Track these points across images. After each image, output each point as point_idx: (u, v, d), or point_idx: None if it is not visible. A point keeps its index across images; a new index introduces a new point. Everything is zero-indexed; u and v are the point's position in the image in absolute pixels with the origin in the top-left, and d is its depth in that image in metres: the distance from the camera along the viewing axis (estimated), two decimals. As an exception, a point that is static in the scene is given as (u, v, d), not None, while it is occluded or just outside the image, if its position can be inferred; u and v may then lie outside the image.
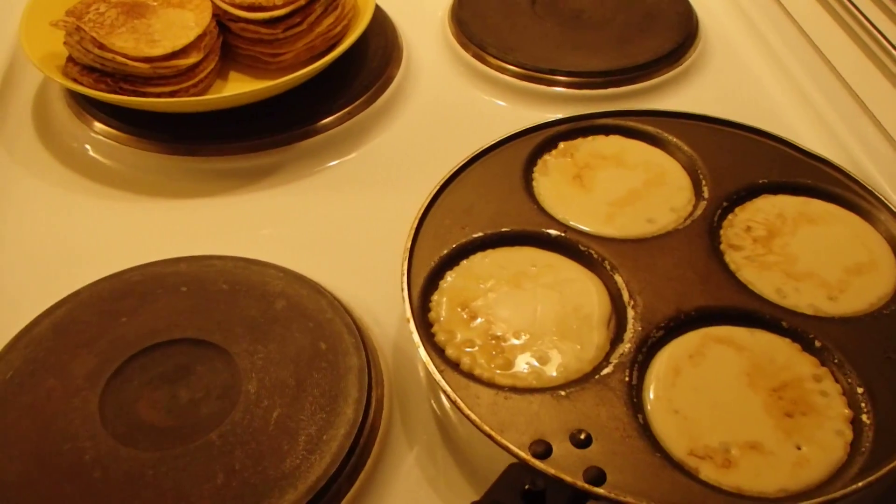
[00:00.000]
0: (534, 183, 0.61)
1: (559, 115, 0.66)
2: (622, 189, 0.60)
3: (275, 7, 0.67)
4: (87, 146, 0.70)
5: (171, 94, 0.65)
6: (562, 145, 0.64)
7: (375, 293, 0.58)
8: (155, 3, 0.67)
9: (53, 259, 0.61)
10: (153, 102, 0.64)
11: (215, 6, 0.68)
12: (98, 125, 0.70)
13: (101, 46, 0.63)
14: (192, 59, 0.65)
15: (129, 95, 0.64)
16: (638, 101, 0.73)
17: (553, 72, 0.74)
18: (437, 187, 0.59)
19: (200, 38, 0.66)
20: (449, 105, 0.74)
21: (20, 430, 0.48)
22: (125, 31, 0.64)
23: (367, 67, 0.73)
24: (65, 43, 0.66)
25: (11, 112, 0.72)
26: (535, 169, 0.62)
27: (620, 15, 0.80)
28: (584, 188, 0.60)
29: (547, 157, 0.63)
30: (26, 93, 0.74)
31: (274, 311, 0.54)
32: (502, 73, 0.75)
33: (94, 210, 0.65)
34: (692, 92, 0.74)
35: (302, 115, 0.69)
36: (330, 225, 0.64)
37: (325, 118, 0.69)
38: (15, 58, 0.76)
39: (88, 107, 0.70)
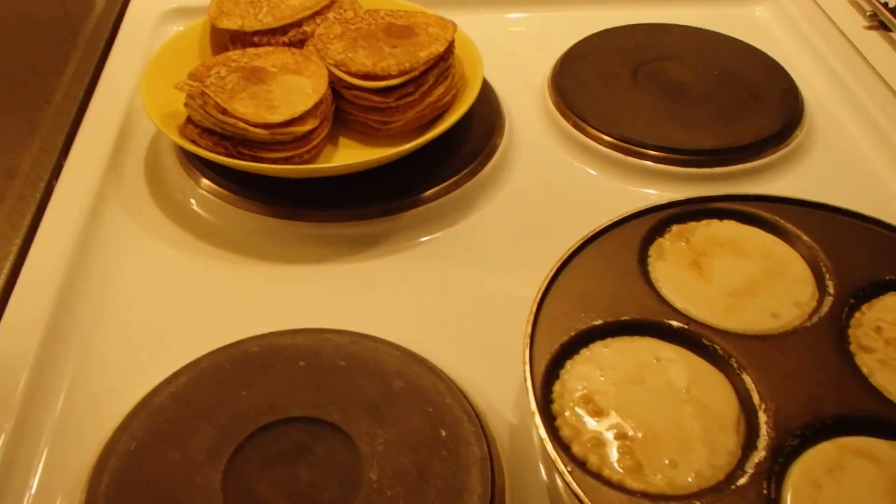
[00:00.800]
0: (650, 268, 0.61)
1: (661, 192, 0.67)
2: (741, 279, 0.59)
3: (389, 76, 0.68)
4: (192, 200, 0.71)
5: (286, 160, 0.66)
6: (675, 228, 0.63)
7: (488, 376, 0.57)
8: (274, 70, 0.68)
9: (166, 322, 0.61)
10: (270, 168, 0.65)
11: (331, 73, 0.69)
12: (204, 181, 0.70)
13: (224, 112, 0.64)
14: (308, 126, 0.65)
15: (246, 160, 0.65)
16: (743, 182, 0.72)
17: (657, 147, 0.73)
18: (554, 270, 0.59)
19: (317, 105, 0.66)
20: (550, 175, 0.74)
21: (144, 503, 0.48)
22: (246, 97, 0.65)
23: (473, 136, 0.73)
24: (186, 105, 0.67)
25: (127, 163, 0.73)
26: (650, 252, 0.62)
27: (724, 90, 0.79)
28: (703, 276, 0.60)
29: (661, 240, 0.63)
30: (140, 144, 0.75)
31: (392, 391, 0.54)
32: (602, 144, 0.74)
33: (201, 270, 0.65)
34: (799, 175, 0.74)
35: (408, 184, 0.69)
36: (436, 299, 0.63)
37: (432, 188, 0.69)
38: (131, 109, 0.77)
39: (197, 162, 0.71)
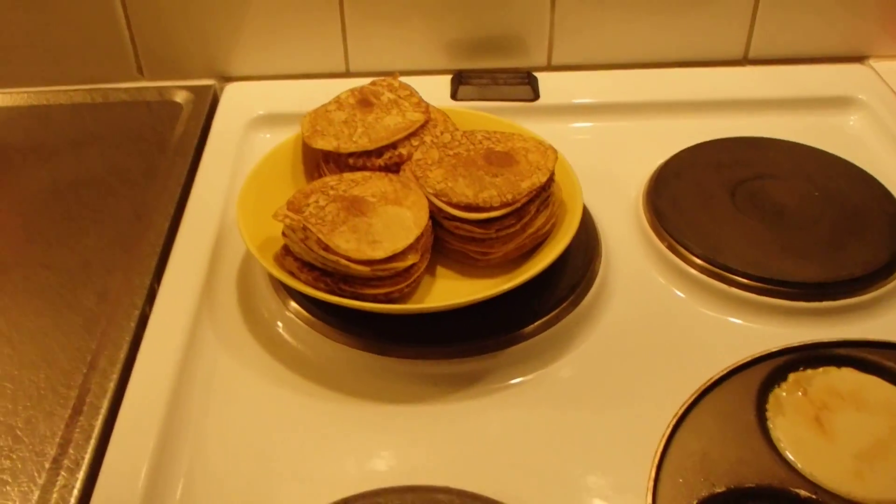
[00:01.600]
0: (769, 424, 0.58)
1: (765, 326, 0.67)
2: (867, 438, 0.57)
3: (491, 208, 0.66)
4: (279, 323, 0.70)
5: (387, 295, 0.64)
6: (792, 378, 0.61)
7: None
8: (374, 199, 0.67)
9: (259, 468, 0.59)
10: (374, 308, 0.63)
11: (431, 204, 0.67)
12: (293, 304, 0.69)
13: (327, 248, 0.62)
14: (409, 261, 0.64)
15: (347, 296, 0.63)
16: (850, 319, 0.69)
17: (760, 278, 0.70)
18: (670, 429, 0.57)
19: (418, 238, 0.65)
20: (647, 304, 0.71)
21: None
22: (346, 230, 0.64)
23: (571, 264, 0.71)
24: (284, 235, 0.66)
25: (220, 287, 0.72)
26: (768, 406, 0.59)
27: (826, 214, 0.77)
28: (826, 435, 0.57)
29: (777, 391, 0.61)
30: (232, 264, 0.74)
31: (508, 562, 0.52)
32: (700, 271, 0.72)
33: (289, 403, 0.64)
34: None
35: (506, 319, 0.67)
36: (541, 450, 0.61)
37: (532, 322, 0.67)
38: (222, 226, 0.77)
39: (287, 287, 0.69)
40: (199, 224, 0.77)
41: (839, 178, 0.81)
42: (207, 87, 0.95)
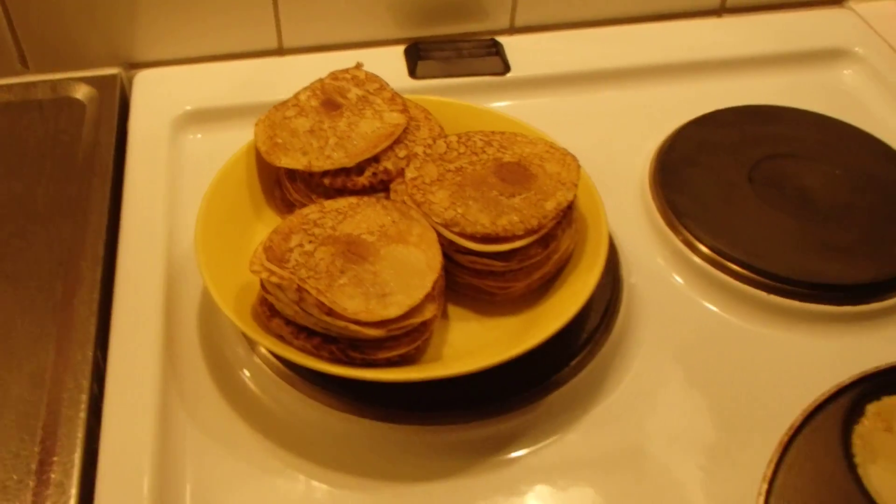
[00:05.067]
0: (862, 476, 0.51)
1: (811, 338, 0.60)
2: (974, 481, 0.51)
3: (514, 238, 0.56)
4: (246, 372, 0.58)
5: (401, 357, 0.53)
6: (871, 410, 0.54)
7: None
8: (372, 238, 0.55)
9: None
10: (395, 377, 0.52)
11: (440, 236, 0.56)
12: (261, 350, 0.58)
13: (330, 312, 0.50)
14: (427, 315, 0.53)
15: (358, 366, 0.52)
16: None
17: (798, 283, 0.63)
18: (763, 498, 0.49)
19: (433, 283, 0.54)
20: (675, 323, 0.63)
21: None
22: (348, 284, 0.52)
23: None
24: (265, 290, 0.54)
25: (181, 342, 0.60)
26: (855, 451, 0.52)
27: (857, 198, 0.69)
28: (931, 484, 0.51)
29: (860, 429, 0.54)
30: (188, 309, 0.62)
31: None
32: (738, 280, 0.64)
33: (269, 484, 0.53)
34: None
35: (531, 365, 0.55)
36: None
37: (566, 364, 0.57)
38: (171, 260, 0.64)
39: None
40: (139, 266, 0.63)
41: (859, 152, 0.74)
42: (112, 78, 0.78)
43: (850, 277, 0.63)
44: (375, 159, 0.61)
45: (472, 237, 0.56)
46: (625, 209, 0.70)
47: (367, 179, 0.61)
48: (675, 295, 0.64)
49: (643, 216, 0.70)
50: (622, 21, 0.87)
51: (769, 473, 0.50)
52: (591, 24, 0.86)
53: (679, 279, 0.65)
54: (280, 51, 0.82)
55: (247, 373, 0.58)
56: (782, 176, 0.71)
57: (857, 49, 0.85)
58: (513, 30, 0.85)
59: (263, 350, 0.57)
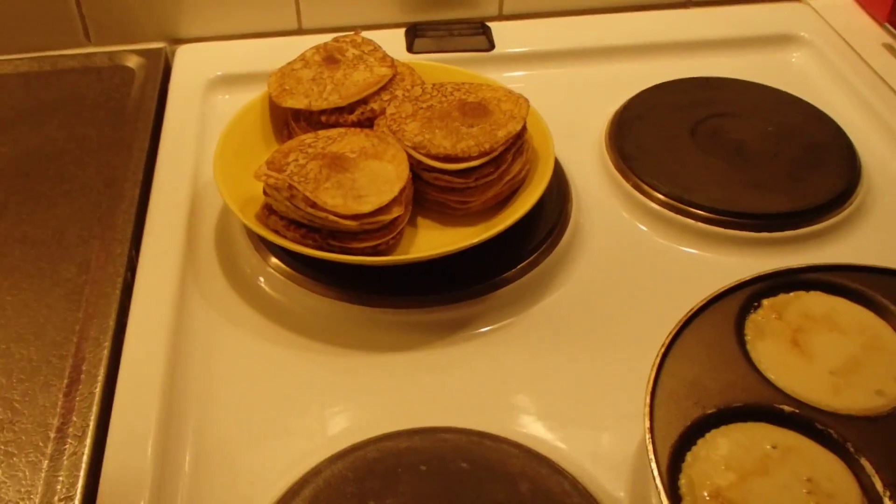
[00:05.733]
0: (749, 347, 0.61)
1: (729, 257, 0.71)
2: (841, 356, 0.60)
3: (469, 158, 0.68)
4: (261, 279, 0.70)
5: (374, 248, 0.65)
6: (766, 303, 0.64)
7: (605, 469, 0.57)
8: (354, 155, 0.67)
9: (267, 422, 0.61)
10: (364, 260, 0.64)
11: (410, 157, 0.68)
12: (273, 260, 0.70)
13: (314, 205, 0.63)
14: (394, 214, 0.65)
15: (335, 251, 0.64)
16: (811, 246, 0.73)
17: (729, 213, 0.74)
18: (659, 358, 0.59)
19: (401, 190, 0.66)
20: (620, 243, 0.74)
21: None
22: (331, 187, 0.65)
23: (545, 209, 0.73)
24: (266, 194, 0.66)
25: (200, 249, 0.72)
26: (747, 332, 0.62)
27: (784, 149, 0.80)
28: (804, 355, 0.61)
29: (754, 316, 0.64)
30: (209, 223, 0.75)
31: (521, 495, 0.54)
32: (667, 208, 0.75)
33: (292, 361, 0.65)
34: (860, 238, 0.74)
35: (486, 265, 0.69)
36: (533, 388, 0.63)
37: (513, 267, 0.69)
38: (196, 188, 0.77)
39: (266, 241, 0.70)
40: (170, 189, 0.76)
41: (791, 114, 0.84)
42: (158, 51, 0.93)
43: (768, 208, 0.74)
44: (364, 101, 0.74)
45: (435, 157, 0.68)
46: (584, 159, 0.82)
47: (356, 117, 0.74)
48: (617, 221, 0.76)
49: (598, 164, 0.81)
50: (600, 11, 0.99)
51: (667, 341, 0.60)
52: (571, 13, 0.98)
53: (624, 213, 0.77)
54: (299, 31, 0.96)
55: (261, 279, 0.70)
56: (720, 131, 0.82)
57: (805, 35, 0.96)
58: (501, 17, 0.98)
59: (274, 259, 0.70)
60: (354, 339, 0.66)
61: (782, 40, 0.96)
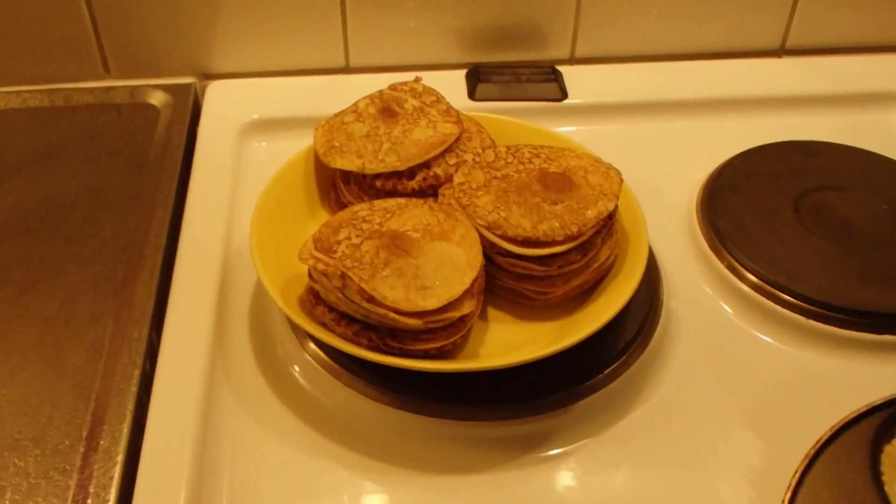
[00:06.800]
0: (886, 489, 0.51)
1: (850, 363, 0.61)
2: None
3: (553, 242, 0.58)
4: (296, 367, 0.60)
5: (439, 349, 0.55)
6: (903, 432, 0.54)
7: None
8: (417, 235, 0.57)
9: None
10: (428, 367, 0.54)
11: (483, 238, 0.58)
12: (311, 345, 0.60)
13: (371, 299, 0.53)
14: (465, 310, 0.55)
15: (395, 355, 0.54)
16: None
17: (836, 309, 0.63)
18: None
19: (473, 281, 0.55)
20: (720, 346, 0.63)
21: None
22: (390, 275, 0.54)
23: (635, 295, 0.63)
24: (312, 278, 0.56)
25: (231, 332, 0.63)
26: (883, 469, 0.52)
27: (897, 230, 0.70)
28: (958, 504, 0.50)
29: (890, 449, 0.53)
30: (242, 300, 0.65)
31: None
32: (778, 304, 0.64)
33: (316, 472, 0.55)
34: None
35: (568, 370, 0.58)
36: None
37: (600, 372, 0.59)
38: (227, 254, 0.67)
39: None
40: (198, 256, 0.66)
41: (902, 186, 0.74)
42: (186, 87, 0.83)
43: (888, 306, 0.63)
44: (426, 165, 0.64)
45: (512, 240, 0.58)
46: (671, 233, 0.71)
47: (417, 184, 0.64)
48: (713, 315, 0.65)
49: (688, 240, 0.71)
50: (681, 57, 0.88)
51: (794, 483, 0.50)
52: (650, 58, 0.88)
53: (719, 301, 0.66)
54: (347, 69, 0.86)
55: (296, 367, 0.60)
56: (826, 207, 0.71)
57: (911, 92, 0.85)
58: (573, 60, 0.88)
59: (312, 346, 0.59)
60: (402, 452, 0.56)
61: (887, 98, 0.85)
